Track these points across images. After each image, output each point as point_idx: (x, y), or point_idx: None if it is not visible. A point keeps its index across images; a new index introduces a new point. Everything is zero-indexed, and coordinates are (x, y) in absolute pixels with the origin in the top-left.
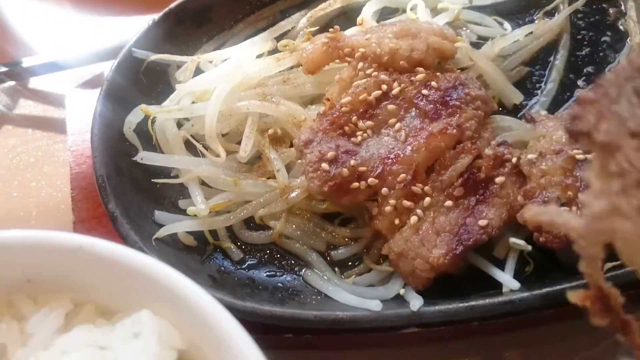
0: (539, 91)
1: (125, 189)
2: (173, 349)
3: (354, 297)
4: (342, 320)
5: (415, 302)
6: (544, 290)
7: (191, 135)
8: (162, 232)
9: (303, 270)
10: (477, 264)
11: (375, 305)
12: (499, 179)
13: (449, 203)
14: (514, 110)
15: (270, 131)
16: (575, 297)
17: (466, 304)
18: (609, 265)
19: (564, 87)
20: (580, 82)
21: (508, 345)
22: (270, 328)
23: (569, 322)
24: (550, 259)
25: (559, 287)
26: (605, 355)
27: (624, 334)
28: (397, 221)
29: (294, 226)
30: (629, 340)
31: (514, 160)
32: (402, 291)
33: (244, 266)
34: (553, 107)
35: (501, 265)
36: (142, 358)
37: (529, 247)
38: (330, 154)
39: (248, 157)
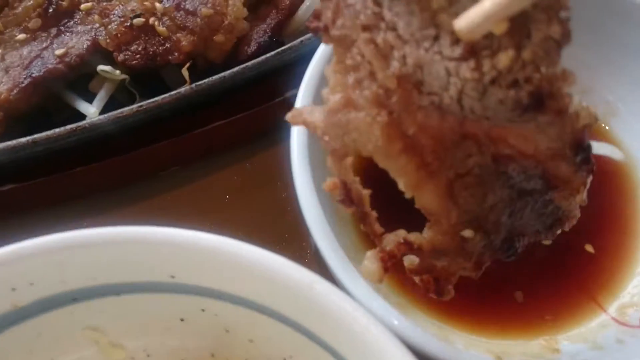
0: None
1: None
2: None
3: None
4: None
5: None
6: (119, 110)
7: None
8: None
9: None
10: (64, 97)
11: None
12: (84, 5)
13: (22, 37)
14: None
15: None
16: (325, 185)
17: (28, 137)
18: None
19: None
20: None
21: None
22: None
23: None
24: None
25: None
26: None
27: (364, 224)
28: None
29: None
30: (368, 229)
31: None
32: None
33: None
34: None
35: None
36: None
37: (117, 72)
38: None
39: None
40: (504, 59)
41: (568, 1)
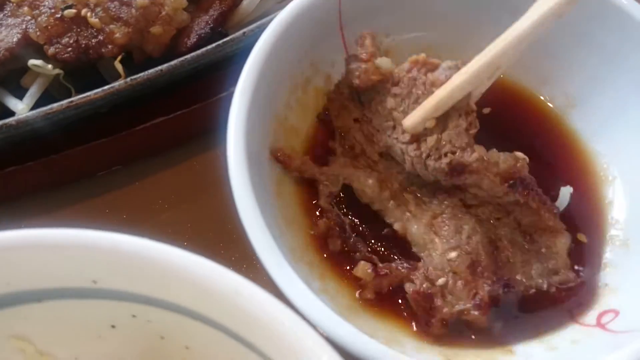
0: None
1: None
2: None
3: None
4: None
5: None
6: (48, 107)
7: None
8: None
9: None
10: None
11: None
12: None
13: None
14: None
15: None
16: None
17: None
18: None
19: None
20: None
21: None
22: None
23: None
24: None
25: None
26: None
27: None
28: None
29: None
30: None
31: None
32: None
33: None
34: None
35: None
36: None
37: (49, 67)
38: None
39: None
40: (430, 140)
41: (474, 105)
